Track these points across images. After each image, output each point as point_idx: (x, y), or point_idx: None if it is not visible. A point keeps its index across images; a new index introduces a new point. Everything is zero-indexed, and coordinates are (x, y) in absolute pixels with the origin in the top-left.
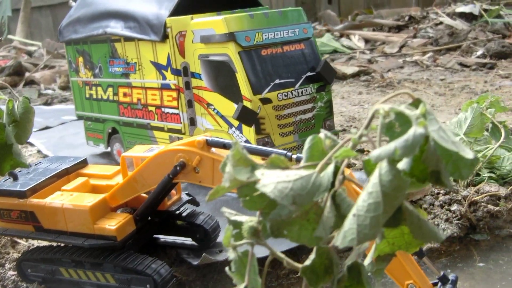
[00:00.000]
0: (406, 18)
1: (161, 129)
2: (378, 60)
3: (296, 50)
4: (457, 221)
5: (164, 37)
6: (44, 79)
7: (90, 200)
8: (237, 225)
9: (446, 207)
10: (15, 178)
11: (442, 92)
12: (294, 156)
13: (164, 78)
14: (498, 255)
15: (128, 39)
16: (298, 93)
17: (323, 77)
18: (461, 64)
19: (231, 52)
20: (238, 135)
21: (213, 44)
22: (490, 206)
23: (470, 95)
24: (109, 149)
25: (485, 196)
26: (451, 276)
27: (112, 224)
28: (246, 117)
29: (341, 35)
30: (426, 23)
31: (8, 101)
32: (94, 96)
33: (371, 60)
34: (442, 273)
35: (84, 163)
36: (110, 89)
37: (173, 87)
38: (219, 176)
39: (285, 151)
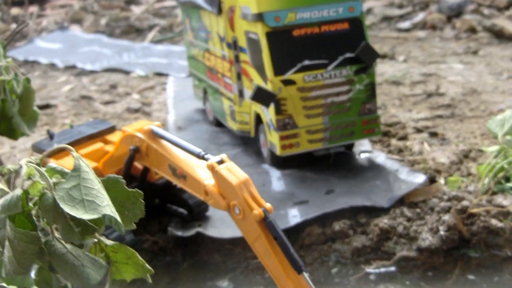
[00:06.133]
0: None
1: (224, 95)
2: None
3: (337, 31)
4: (444, 232)
5: (220, 11)
6: None
7: None
8: None
9: (442, 214)
10: (51, 137)
11: None
12: (206, 156)
13: (223, 49)
14: (489, 275)
15: (204, 8)
16: (330, 75)
17: (362, 60)
18: None
19: (259, 31)
20: (266, 112)
21: (249, 22)
22: (493, 221)
23: None
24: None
25: (487, 209)
26: None
27: None
28: (262, 98)
29: None
30: None
31: (9, 82)
32: (195, 56)
33: None
34: None
35: (112, 129)
36: (201, 52)
37: (227, 58)
38: (162, 167)
39: (199, 151)
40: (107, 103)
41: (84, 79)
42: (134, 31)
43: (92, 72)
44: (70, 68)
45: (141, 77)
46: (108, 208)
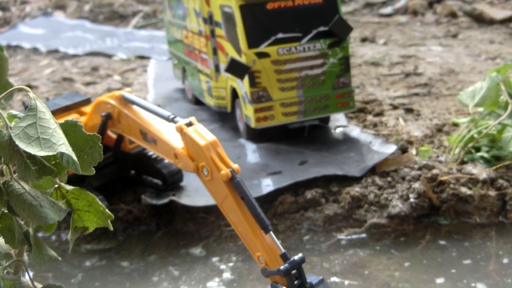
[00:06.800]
0: None
1: (201, 72)
2: None
3: (311, 4)
4: (414, 199)
5: None
6: None
7: None
8: None
9: (412, 182)
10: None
11: None
12: (176, 119)
13: (199, 24)
14: (460, 241)
15: None
16: (304, 48)
17: (335, 33)
18: None
19: (233, 5)
20: (241, 86)
21: None
22: (462, 189)
23: None
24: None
25: (456, 176)
26: (296, 257)
27: None
28: (236, 69)
29: None
30: None
31: None
32: (174, 35)
33: None
34: (284, 251)
35: (88, 101)
36: (179, 30)
37: (203, 34)
38: (134, 132)
39: (168, 114)
40: (88, 84)
41: (66, 63)
42: (118, 17)
43: (74, 56)
44: (53, 52)
45: (123, 60)
46: (64, 146)
